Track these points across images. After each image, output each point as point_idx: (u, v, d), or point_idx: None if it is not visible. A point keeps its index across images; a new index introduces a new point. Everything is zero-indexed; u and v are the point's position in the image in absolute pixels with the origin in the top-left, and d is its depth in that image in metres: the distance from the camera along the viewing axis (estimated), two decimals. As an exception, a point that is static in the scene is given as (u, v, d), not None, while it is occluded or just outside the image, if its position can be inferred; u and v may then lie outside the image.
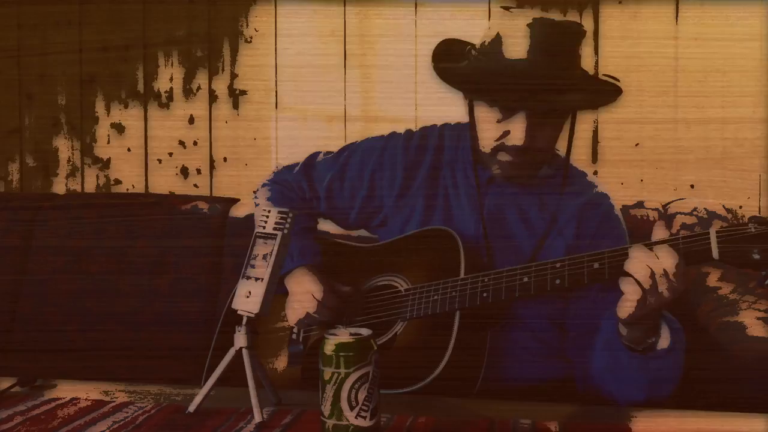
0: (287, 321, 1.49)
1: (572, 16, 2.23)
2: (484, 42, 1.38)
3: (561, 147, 1.46)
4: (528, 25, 1.32)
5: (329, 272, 1.50)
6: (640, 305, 1.16)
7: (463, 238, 1.39)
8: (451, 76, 1.40)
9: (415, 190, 1.52)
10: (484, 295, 1.31)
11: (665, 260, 1.16)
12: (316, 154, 1.65)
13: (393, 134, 1.59)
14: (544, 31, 1.32)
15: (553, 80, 1.33)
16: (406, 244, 1.48)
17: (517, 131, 1.35)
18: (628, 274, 1.17)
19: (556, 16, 1.38)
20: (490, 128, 1.39)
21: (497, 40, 1.35)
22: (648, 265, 1.16)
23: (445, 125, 1.55)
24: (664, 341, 1.22)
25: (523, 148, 1.36)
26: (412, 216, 1.51)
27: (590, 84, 1.39)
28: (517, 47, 1.33)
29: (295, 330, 1.50)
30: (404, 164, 1.54)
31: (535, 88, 1.33)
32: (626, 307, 1.18)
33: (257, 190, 1.68)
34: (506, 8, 1.37)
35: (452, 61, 1.42)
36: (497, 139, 1.38)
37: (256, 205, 1.66)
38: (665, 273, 1.15)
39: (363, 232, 1.66)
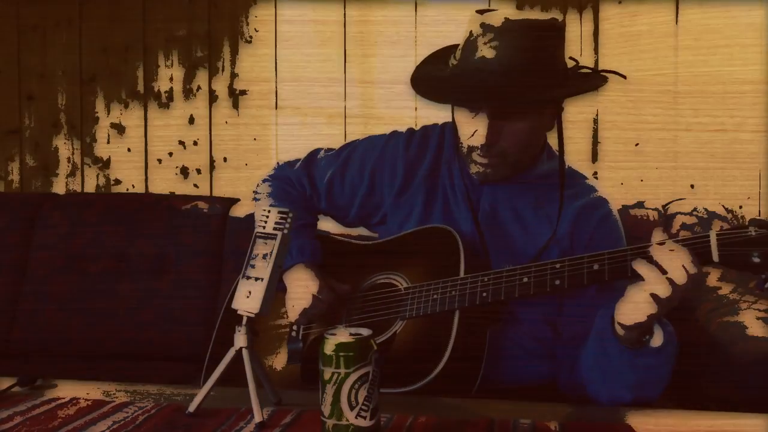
0: (287, 318, 1.49)
1: (572, 16, 2.23)
2: (459, 47, 1.39)
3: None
4: (492, 27, 1.32)
5: (328, 269, 1.50)
6: (650, 319, 1.16)
7: (462, 236, 1.40)
8: (422, 86, 1.41)
9: (415, 188, 1.52)
10: (484, 294, 1.31)
11: (684, 275, 1.14)
12: (318, 150, 1.65)
13: (394, 133, 1.59)
14: (507, 31, 1.31)
15: (514, 79, 1.32)
16: (407, 242, 1.48)
17: (480, 130, 1.35)
18: (640, 279, 1.16)
19: (537, 15, 1.37)
20: (463, 127, 1.40)
21: (470, 43, 1.35)
22: (669, 284, 1.14)
23: (446, 124, 1.55)
24: (656, 340, 1.22)
25: (486, 147, 1.36)
26: (412, 214, 1.51)
27: (568, 79, 1.38)
28: (482, 49, 1.33)
29: (294, 327, 1.50)
30: (405, 163, 1.54)
31: (493, 87, 1.33)
32: (633, 315, 1.17)
33: (258, 185, 1.68)
34: (480, 11, 1.37)
35: (433, 70, 1.42)
36: (469, 138, 1.39)
37: (257, 200, 1.66)
38: (682, 287, 1.15)
39: (363, 231, 1.66)
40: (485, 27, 1.33)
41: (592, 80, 1.39)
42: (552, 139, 1.48)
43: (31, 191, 2.54)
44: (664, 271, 1.15)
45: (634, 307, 1.17)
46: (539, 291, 1.27)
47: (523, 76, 1.32)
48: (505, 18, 1.32)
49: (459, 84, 1.37)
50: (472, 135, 1.38)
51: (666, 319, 1.22)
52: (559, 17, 1.37)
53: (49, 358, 2.09)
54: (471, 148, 1.39)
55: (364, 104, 2.35)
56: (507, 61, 1.31)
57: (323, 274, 1.48)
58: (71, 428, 1.08)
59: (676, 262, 1.15)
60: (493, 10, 1.37)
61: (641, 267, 1.17)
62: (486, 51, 1.32)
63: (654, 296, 1.15)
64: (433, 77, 1.41)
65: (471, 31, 1.36)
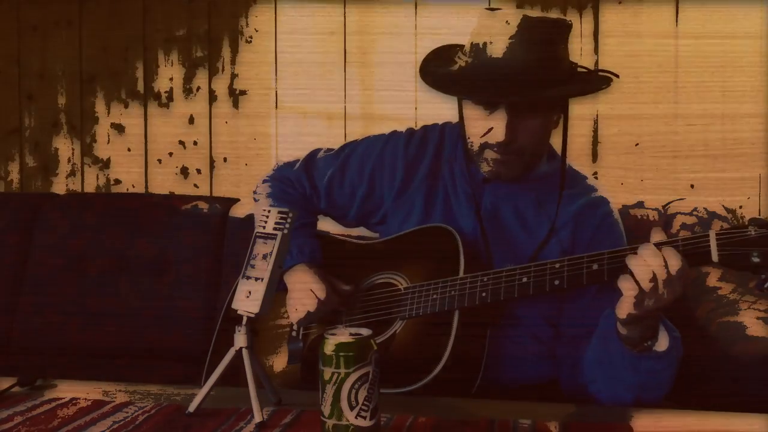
0: (287, 318, 1.49)
1: (572, 16, 2.23)
2: (470, 44, 1.39)
3: (559, 147, 1.46)
4: (510, 24, 1.32)
5: (329, 269, 1.50)
6: (637, 304, 1.16)
7: (462, 236, 1.40)
8: (437, 81, 1.41)
9: (415, 188, 1.52)
10: (483, 294, 1.31)
11: (669, 261, 1.15)
12: (317, 150, 1.65)
13: (394, 133, 1.59)
14: (525, 28, 1.32)
15: (532, 75, 1.32)
16: (407, 242, 1.48)
17: (499, 127, 1.35)
18: (629, 272, 1.17)
19: (537, 14, 1.38)
20: (476, 125, 1.40)
21: (481, 40, 1.35)
22: (650, 264, 1.15)
23: (446, 124, 1.55)
24: (661, 345, 1.22)
25: (505, 144, 1.36)
26: (412, 214, 1.51)
27: (575, 78, 1.39)
28: (499, 46, 1.33)
29: (294, 327, 1.50)
30: (405, 162, 1.54)
31: (513, 83, 1.33)
32: (624, 305, 1.18)
33: (257, 185, 1.68)
34: (491, 9, 1.37)
35: (441, 66, 1.42)
36: (482, 136, 1.39)
37: (256, 201, 1.66)
38: (667, 274, 1.15)
39: (363, 231, 1.66)
40: (500, 25, 1.33)
41: (599, 80, 1.40)
42: (554, 137, 1.48)
43: (31, 191, 2.55)
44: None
45: (621, 298, 1.18)
46: (539, 291, 1.28)
47: (540, 74, 1.33)
48: (524, 15, 1.32)
49: (477, 80, 1.37)
50: (486, 133, 1.37)
51: (672, 324, 1.23)
52: (544, 15, 1.39)
53: (49, 358, 2.09)
54: (484, 147, 1.39)
55: (364, 103, 2.35)
56: (525, 58, 1.32)
57: (325, 275, 1.48)
58: (71, 428, 1.08)
59: (656, 258, 1.15)
60: (498, 9, 1.38)
61: (629, 259, 1.18)
62: (503, 48, 1.33)
63: (636, 285, 1.15)
64: (444, 73, 1.41)
65: (483, 29, 1.36)
